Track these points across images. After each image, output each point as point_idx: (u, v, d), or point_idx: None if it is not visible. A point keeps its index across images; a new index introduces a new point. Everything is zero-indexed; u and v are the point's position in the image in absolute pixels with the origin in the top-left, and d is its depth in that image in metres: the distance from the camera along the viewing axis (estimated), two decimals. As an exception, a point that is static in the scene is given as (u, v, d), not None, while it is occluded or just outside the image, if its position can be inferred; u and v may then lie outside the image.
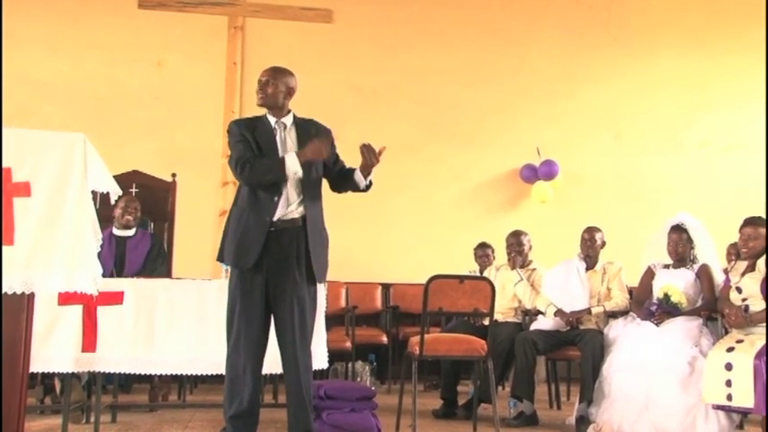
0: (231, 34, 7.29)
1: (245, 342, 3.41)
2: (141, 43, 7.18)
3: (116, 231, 5.33)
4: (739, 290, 4.30)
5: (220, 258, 3.58)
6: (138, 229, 5.42)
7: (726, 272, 4.63)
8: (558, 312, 4.98)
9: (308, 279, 3.49)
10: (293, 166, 3.41)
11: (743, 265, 4.39)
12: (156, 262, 5.33)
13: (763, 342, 3.93)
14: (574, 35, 7.73)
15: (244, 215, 3.48)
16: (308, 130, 3.59)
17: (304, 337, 3.46)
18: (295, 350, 3.41)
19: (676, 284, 4.66)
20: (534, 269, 5.37)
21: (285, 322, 3.44)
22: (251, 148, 3.50)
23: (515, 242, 5.40)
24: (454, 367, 5.08)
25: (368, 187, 3.65)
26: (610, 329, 4.80)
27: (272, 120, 3.60)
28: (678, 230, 4.79)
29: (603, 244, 5.15)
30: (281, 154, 3.51)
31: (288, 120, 3.63)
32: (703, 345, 4.33)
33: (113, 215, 5.30)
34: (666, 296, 4.61)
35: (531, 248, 5.45)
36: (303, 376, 3.43)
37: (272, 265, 3.44)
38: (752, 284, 4.25)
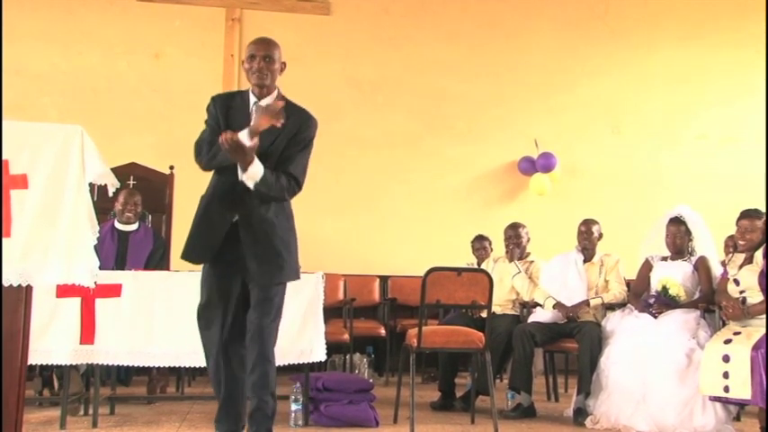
0: (228, 26, 7.27)
1: (215, 333, 3.28)
2: (138, 35, 7.16)
3: (118, 225, 5.29)
4: (737, 282, 4.30)
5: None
6: (141, 223, 5.38)
7: (723, 264, 4.63)
8: (557, 305, 4.99)
9: (273, 276, 3.25)
10: (247, 142, 3.01)
11: (740, 257, 4.39)
12: (158, 263, 5.26)
13: (760, 333, 3.94)
14: (571, 27, 7.72)
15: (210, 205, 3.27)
16: (287, 117, 3.16)
17: (268, 334, 3.26)
18: (253, 347, 3.23)
19: (674, 277, 4.67)
20: (532, 261, 5.38)
21: (251, 318, 3.26)
22: (216, 131, 3.16)
23: (513, 234, 5.40)
24: (452, 359, 5.08)
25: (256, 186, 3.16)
26: (607, 322, 4.81)
27: (252, 99, 3.29)
28: (677, 223, 4.80)
29: (600, 236, 5.15)
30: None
31: (268, 101, 3.25)
32: (701, 337, 4.35)
33: (114, 208, 5.29)
34: (664, 288, 4.62)
35: (528, 241, 5.44)
36: (257, 377, 3.21)
37: (231, 258, 3.25)
38: (749, 277, 4.25)
